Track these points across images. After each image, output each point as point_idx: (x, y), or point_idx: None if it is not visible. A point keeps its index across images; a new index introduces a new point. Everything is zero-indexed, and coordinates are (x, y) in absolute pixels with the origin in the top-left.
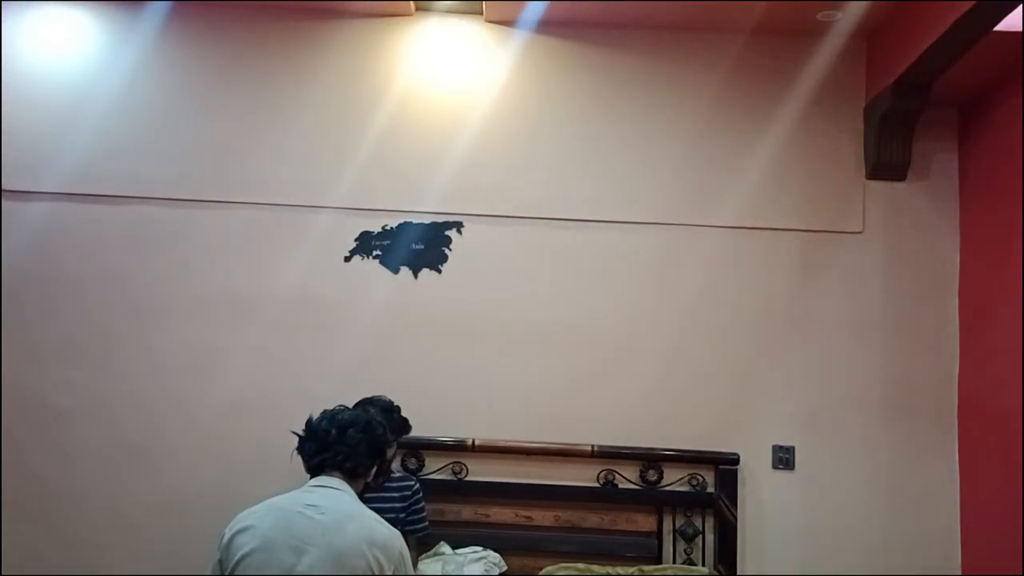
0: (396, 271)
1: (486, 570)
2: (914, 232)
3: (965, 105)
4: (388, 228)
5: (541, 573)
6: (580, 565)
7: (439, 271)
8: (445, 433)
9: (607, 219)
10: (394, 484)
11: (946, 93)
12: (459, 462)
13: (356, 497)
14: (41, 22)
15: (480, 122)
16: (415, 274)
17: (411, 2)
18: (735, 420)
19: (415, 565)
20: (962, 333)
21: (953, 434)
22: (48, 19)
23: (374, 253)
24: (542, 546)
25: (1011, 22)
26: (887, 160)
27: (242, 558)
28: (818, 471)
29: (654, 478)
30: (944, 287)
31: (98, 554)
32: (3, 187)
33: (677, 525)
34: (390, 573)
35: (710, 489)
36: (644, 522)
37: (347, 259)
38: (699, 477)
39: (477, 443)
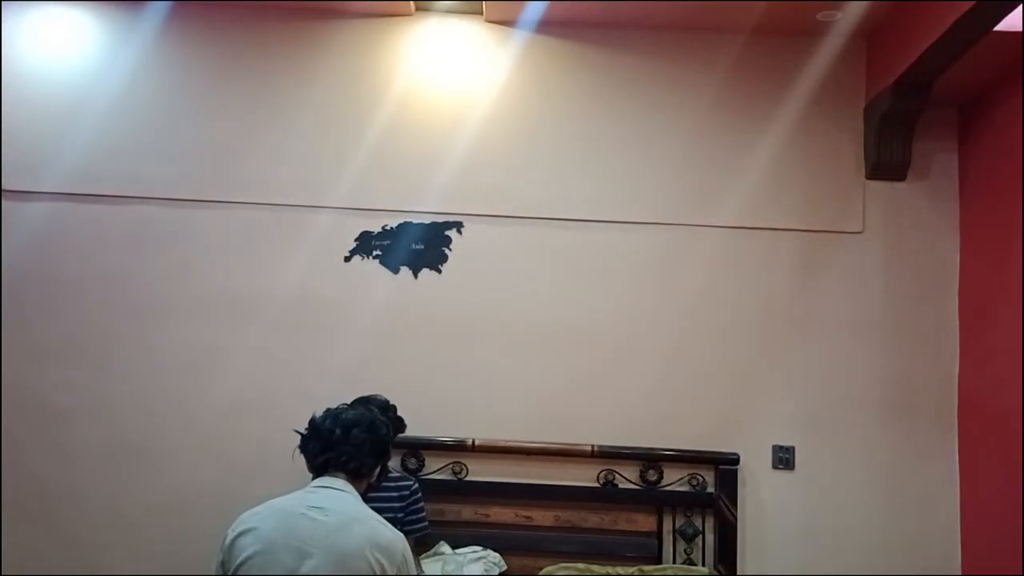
0: (396, 271)
1: (486, 570)
2: (914, 232)
3: (965, 105)
4: (388, 228)
5: (541, 573)
6: (580, 565)
7: (439, 271)
8: (445, 433)
9: (607, 219)
10: (392, 484)
11: (946, 93)
12: (459, 462)
13: (359, 498)
14: (41, 22)
15: (480, 122)
16: (415, 274)
17: (411, 2)
18: (735, 420)
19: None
20: (962, 333)
21: (953, 434)
22: (48, 19)
23: (374, 253)
24: (542, 546)
25: (1011, 22)
26: (887, 160)
27: (244, 560)
28: (818, 471)
29: (654, 478)
30: (944, 287)
31: (98, 554)
32: (3, 187)
33: (677, 525)
34: (392, 574)
35: (710, 489)
36: (644, 522)
37: (347, 259)
38: (699, 477)
39: (477, 443)
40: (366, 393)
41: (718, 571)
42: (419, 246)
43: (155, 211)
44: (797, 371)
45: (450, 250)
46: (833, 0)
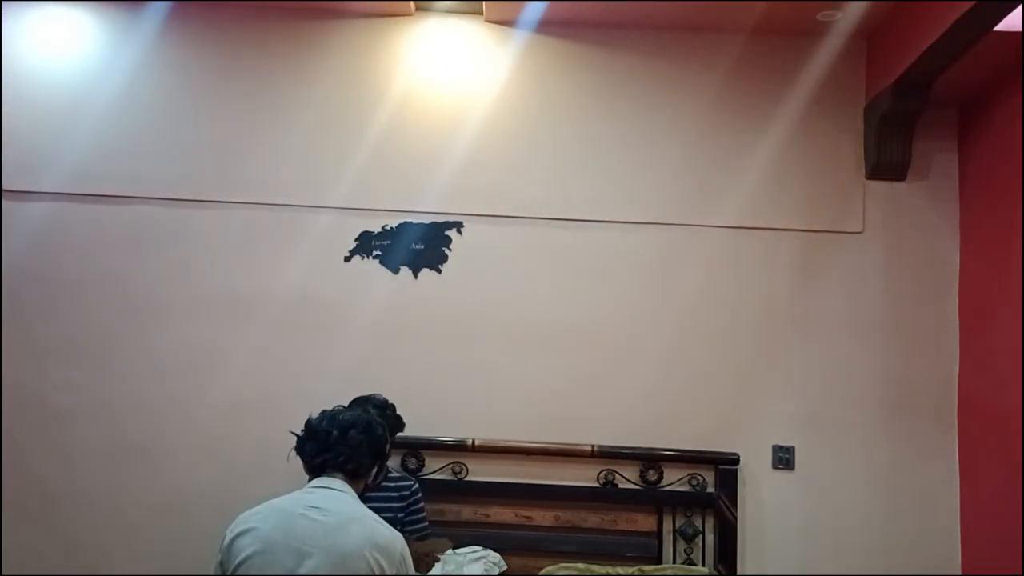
0: (396, 271)
1: (486, 570)
2: (914, 232)
3: (965, 105)
4: (388, 228)
5: (541, 573)
6: (580, 565)
7: (439, 271)
8: (445, 433)
9: (607, 219)
10: (392, 484)
11: (946, 93)
12: (459, 462)
13: (357, 498)
14: (41, 22)
15: (480, 122)
16: (415, 274)
17: (411, 2)
18: (735, 420)
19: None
20: (962, 333)
21: (953, 434)
22: (48, 19)
23: (374, 253)
24: (542, 546)
25: (1011, 22)
26: (887, 160)
27: (243, 561)
28: (818, 471)
29: (654, 478)
30: (944, 287)
31: (98, 554)
32: (3, 187)
33: (677, 525)
34: (391, 574)
35: (710, 489)
36: (644, 522)
37: (347, 259)
38: (699, 477)
39: (477, 443)
40: (365, 393)
41: (718, 571)
42: (419, 246)
43: (155, 211)
44: (797, 371)
45: (450, 250)
46: (833, 0)
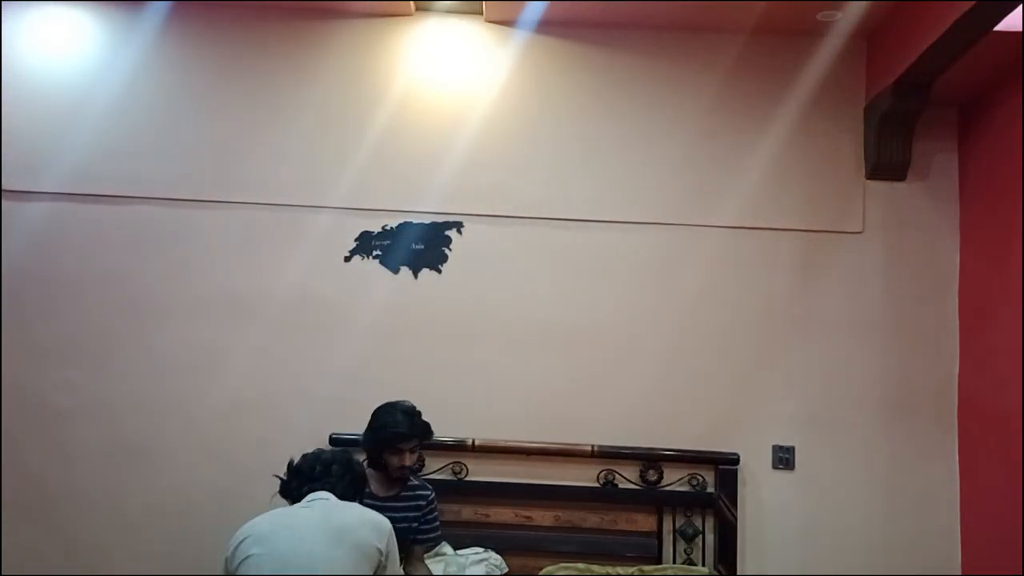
0: (396, 271)
1: (487, 571)
2: (914, 232)
3: (965, 105)
4: (388, 228)
5: (541, 573)
6: (580, 565)
7: (439, 271)
8: (445, 433)
9: (607, 219)
10: (411, 493)
11: (946, 93)
12: (459, 462)
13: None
14: (41, 22)
15: (480, 122)
16: (415, 274)
17: (411, 2)
18: (735, 420)
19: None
20: (962, 333)
21: (953, 434)
22: (48, 19)
23: (374, 253)
24: (542, 546)
25: (1011, 22)
26: (887, 160)
27: (247, 558)
28: (818, 471)
29: (654, 478)
30: (944, 287)
31: (98, 554)
32: (3, 187)
33: (677, 525)
34: (380, 546)
35: (710, 489)
36: (644, 522)
37: (347, 259)
38: (699, 477)
39: (477, 443)
40: (366, 393)
41: (718, 571)
42: (419, 246)
43: (155, 211)
44: (797, 371)
45: (450, 250)
46: (833, 0)
